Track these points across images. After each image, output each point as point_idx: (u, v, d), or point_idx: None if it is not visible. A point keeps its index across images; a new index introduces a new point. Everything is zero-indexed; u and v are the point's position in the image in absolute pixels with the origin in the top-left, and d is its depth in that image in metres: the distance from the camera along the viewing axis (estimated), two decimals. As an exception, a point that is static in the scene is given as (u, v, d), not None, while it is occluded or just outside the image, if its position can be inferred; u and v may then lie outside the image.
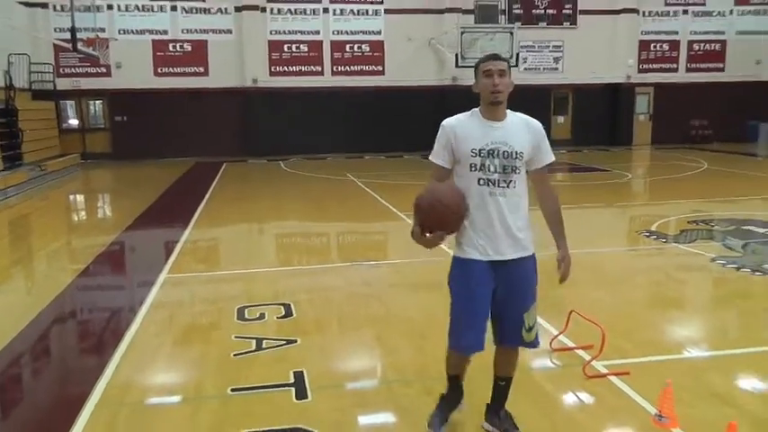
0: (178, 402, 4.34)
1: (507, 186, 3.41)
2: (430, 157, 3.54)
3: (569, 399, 4.26)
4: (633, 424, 3.87)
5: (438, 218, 3.34)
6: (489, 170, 3.38)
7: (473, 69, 3.54)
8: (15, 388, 4.93)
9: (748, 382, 4.45)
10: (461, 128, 3.44)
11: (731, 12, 27.14)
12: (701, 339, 5.46)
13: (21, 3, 21.24)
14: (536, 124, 3.51)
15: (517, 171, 3.41)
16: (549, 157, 3.56)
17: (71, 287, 7.35)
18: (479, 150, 3.38)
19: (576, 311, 4.97)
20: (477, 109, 3.48)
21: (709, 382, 4.44)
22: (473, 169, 3.40)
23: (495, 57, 3.42)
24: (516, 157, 3.39)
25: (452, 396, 3.80)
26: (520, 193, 3.47)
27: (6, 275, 8.37)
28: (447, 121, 3.50)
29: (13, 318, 6.13)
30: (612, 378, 4.41)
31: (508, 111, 3.47)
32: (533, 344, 3.61)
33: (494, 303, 3.51)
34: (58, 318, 6.57)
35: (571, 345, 4.98)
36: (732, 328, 5.82)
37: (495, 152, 3.37)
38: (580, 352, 4.84)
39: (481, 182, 3.40)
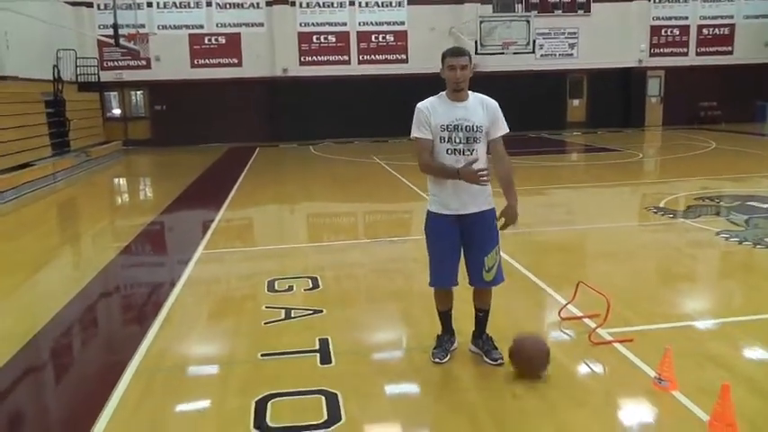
0: (212, 366, 4.45)
1: (471, 154, 3.96)
2: (413, 135, 4.05)
3: (575, 364, 4.27)
4: (635, 387, 3.88)
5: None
6: (455, 141, 3.97)
7: (440, 58, 3.98)
8: (64, 353, 5.08)
9: (745, 348, 4.43)
10: (433, 108, 4.01)
11: (740, -4, 26.58)
12: (702, 308, 5.43)
13: (67, 2, 21.45)
14: (492, 103, 4.07)
15: (478, 141, 3.98)
16: (503, 129, 4.09)
17: (114, 263, 7.50)
18: (447, 125, 3.96)
19: (583, 282, 4.97)
20: (443, 92, 4.05)
21: (708, 348, 4.44)
22: (442, 141, 3.98)
23: (458, 52, 3.97)
24: (477, 130, 3.97)
25: (446, 332, 4.38)
26: (479, 157, 3.98)
27: (56, 253, 8.55)
28: (422, 104, 4.06)
29: (62, 290, 6.27)
30: (617, 345, 4.41)
31: (469, 92, 4.03)
32: (494, 282, 4.17)
33: (464, 251, 4.15)
34: (103, 290, 6.71)
35: (579, 314, 4.99)
36: (732, 297, 5.78)
37: (459, 127, 3.96)
38: (587, 320, 4.85)
39: (449, 151, 3.98)
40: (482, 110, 4.00)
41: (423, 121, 3.99)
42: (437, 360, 4.21)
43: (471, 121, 3.94)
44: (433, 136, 3.99)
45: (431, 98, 4.08)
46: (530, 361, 3.94)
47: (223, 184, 13.16)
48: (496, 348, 4.25)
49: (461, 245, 4.13)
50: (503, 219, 4.03)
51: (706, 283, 6.36)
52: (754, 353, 4.36)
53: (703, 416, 3.42)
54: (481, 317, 4.32)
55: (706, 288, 6.16)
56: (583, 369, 4.22)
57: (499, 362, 4.16)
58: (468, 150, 3.95)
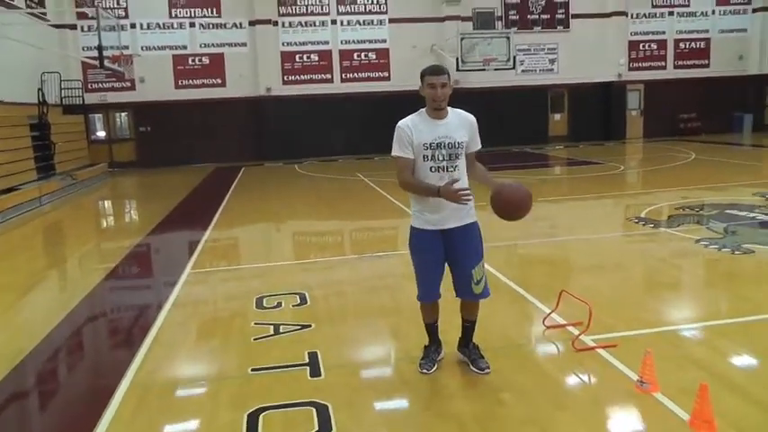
0: (202, 382, 4.49)
1: (454, 171, 4.02)
2: (394, 153, 4.05)
3: (559, 370, 4.36)
4: (618, 390, 3.97)
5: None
6: (438, 159, 4.01)
7: (419, 77, 4.01)
8: (53, 375, 5.08)
9: (724, 351, 4.54)
10: (415, 126, 4.02)
11: (713, 12, 27.11)
12: (683, 314, 5.55)
13: (51, 25, 21.46)
14: (471, 118, 4.13)
15: (459, 157, 4.05)
16: (478, 145, 4.19)
17: (102, 285, 7.50)
18: (430, 144, 3.99)
19: (566, 291, 5.08)
20: (423, 110, 4.08)
21: (688, 351, 4.56)
22: (425, 159, 4.01)
23: (437, 71, 3.98)
24: (458, 147, 4.03)
25: (433, 343, 4.44)
26: (461, 172, 4.07)
27: (42, 276, 8.55)
28: (403, 122, 4.06)
29: (49, 314, 6.29)
30: (600, 351, 4.51)
31: (449, 108, 4.06)
32: (483, 295, 4.23)
33: (449, 265, 4.21)
34: (91, 313, 6.71)
35: (563, 322, 5.08)
36: (712, 302, 5.91)
37: (442, 144, 3.99)
38: (571, 328, 4.95)
39: (432, 169, 4.02)
40: (462, 126, 4.05)
41: (405, 140, 4.00)
42: (425, 371, 4.27)
43: (453, 138, 3.99)
44: (416, 154, 4.01)
45: (411, 116, 4.09)
46: (508, 203, 3.97)
47: (209, 205, 13.20)
48: (483, 357, 4.34)
49: (445, 259, 4.18)
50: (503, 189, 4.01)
51: (687, 289, 6.49)
52: (732, 355, 4.47)
53: (684, 415, 3.53)
54: (468, 327, 4.41)
55: (687, 294, 6.28)
56: (567, 374, 4.31)
57: (486, 371, 4.24)
58: (452, 167, 4.00)
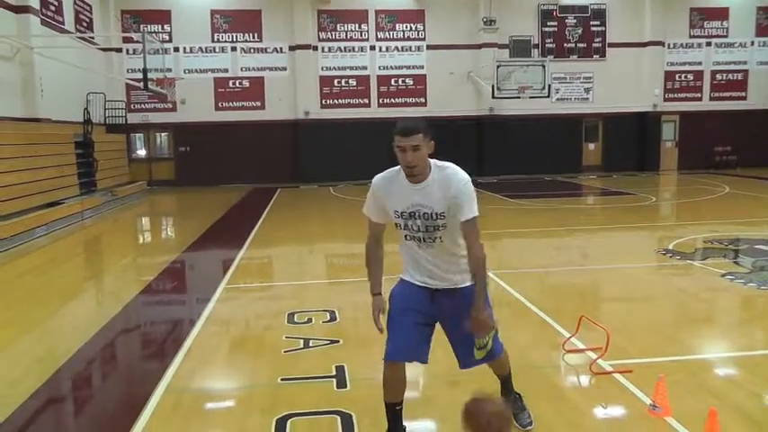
0: (234, 389, 4.76)
1: (434, 242, 3.37)
2: (363, 211, 3.55)
3: (576, 392, 4.54)
4: (631, 413, 4.14)
5: None
6: (413, 229, 3.37)
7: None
8: (87, 385, 5.32)
9: (737, 380, 4.67)
10: (386, 188, 3.41)
11: (752, 43, 26.99)
12: (700, 344, 5.66)
13: (99, 48, 22.30)
14: (457, 180, 3.27)
15: (440, 228, 3.32)
16: (469, 213, 3.24)
17: (138, 298, 7.85)
18: (401, 213, 3.36)
19: (585, 316, 5.24)
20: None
21: (703, 379, 4.68)
22: (398, 228, 3.43)
23: (406, 132, 3.24)
24: (437, 218, 3.30)
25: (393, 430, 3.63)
26: (448, 245, 3.38)
27: (83, 287, 8.96)
28: (375, 181, 3.48)
29: (87, 324, 6.58)
30: (617, 375, 4.67)
31: (433, 165, 3.33)
32: (490, 357, 3.56)
33: (443, 329, 3.58)
34: (128, 324, 7.04)
35: (582, 347, 5.25)
36: (730, 334, 6.00)
37: (416, 214, 3.33)
38: (590, 353, 5.11)
39: (408, 237, 3.43)
40: (441, 192, 3.26)
41: (373, 203, 3.47)
42: None
43: (430, 208, 3.28)
44: (390, 218, 3.47)
45: (389, 173, 3.47)
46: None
47: (245, 224, 13.55)
48: (525, 409, 3.96)
49: (433, 321, 3.55)
50: (469, 324, 3.31)
51: (707, 321, 6.57)
52: (747, 386, 4.58)
53: (692, 438, 3.68)
54: (502, 380, 3.96)
55: (707, 326, 6.38)
56: (582, 396, 4.47)
57: (528, 428, 3.86)
58: (430, 238, 3.35)
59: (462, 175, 3.29)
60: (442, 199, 3.26)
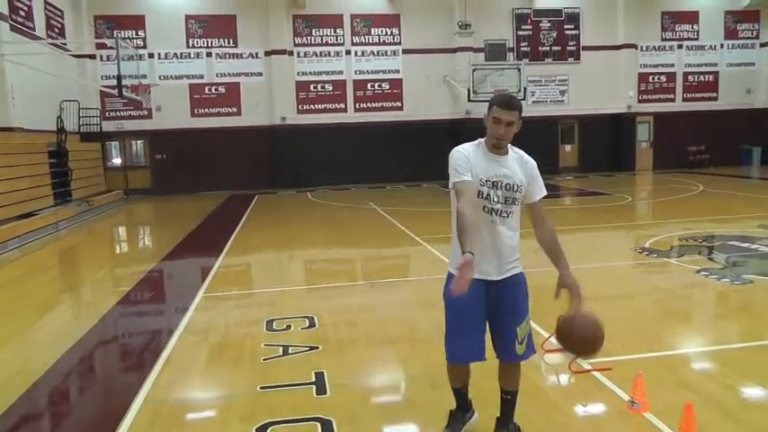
0: (213, 399, 4.72)
1: (507, 216, 3.52)
2: (456, 179, 3.39)
3: (556, 391, 4.56)
4: (610, 409, 4.19)
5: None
6: (493, 200, 3.46)
7: (487, 103, 3.54)
8: (65, 399, 5.22)
9: (714, 375, 4.74)
10: (473, 156, 3.47)
11: (722, 45, 27.58)
12: (678, 339, 5.73)
13: (72, 55, 22.06)
14: (531, 161, 3.62)
15: (516, 203, 3.52)
16: (543, 191, 3.63)
17: (116, 308, 7.75)
18: (486, 180, 3.45)
19: (563, 317, 5.26)
20: (482, 140, 3.55)
21: (680, 374, 4.74)
22: (479, 196, 3.43)
23: (508, 105, 3.41)
24: (517, 190, 3.49)
25: (460, 409, 3.89)
26: (514, 223, 3.58)
27: (59, 299, 8.83)
28: (460, 148, 3.52)
29: (63, 337, 6.47)
30: (596, 373, 4.70)
31: (509, 146, 3.55)
32: (526, 355, 3.77)
33: (490, 321, 3.64)
34: (105, 336, 6.95)
35: (560, 346, 5.26)
36: (706, 330, 6.10)
37: (500, 184, 3.46)
38: (569, 352, 5.12)
39: (486, 209, 3.47)
40: (521, 168, 3.54)
41: (463, 164, 3.41)
42: None
43: (512, 180, 3.48)
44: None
45: (467, 145, 3.56)
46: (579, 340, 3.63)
47: (223, 231, 13.48)
48: None
49: (487, 315, 3.64)
50: (562, 290, 3.61)
51: (683, 317, 6.65)
52: (723, 379, 4.65)
53: (670, 434, 3.71)
54: (509, 400, 3.83)
55: (683, 322, 6.45)
56: (561, 395, 4.50)
57: None
58: (506, 212, 3.50)
59: (532, 159, 3.64)
60: (522, 174, 3.53)
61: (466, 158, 3.44)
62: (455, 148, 3.52)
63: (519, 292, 3.69)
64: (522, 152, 3.62)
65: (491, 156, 3.49)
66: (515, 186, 3.47)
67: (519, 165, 3.53)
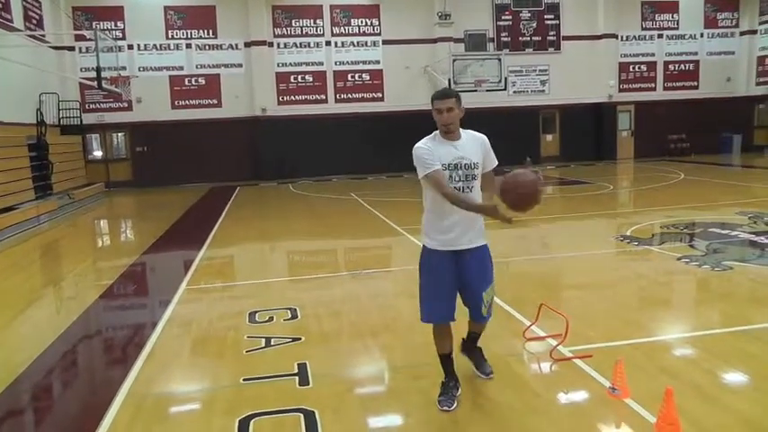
0: (196, 392, 4.69)
1: (471, 191, 4.04)
2: (428, 170, 3.94)
3: (537, 378, 4.59)
4: (591, 396, 4.21)
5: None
6: (455, 180, 4.00)
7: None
8: (47, 394, 5.18)
9: (694, 360, 4.78)
10: (433, 147, 4.02)
11: (702, 35, 27.75)
12: (658, 326, 5.77)
13: (50, 47, 21.79)
14: (483, 138, 4.16)
15: (475, 178, 4.07)
16: (494, 162, 4.18)
17: (98, 302, 7.68)
18: (448, 164, 3.99)
19: (545, 304, 5.31)
20: (436, 132, 4.08)
21: (660, 360, 4.78)
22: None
23: (443, 95, 4.00)
24: (474, 167, 4.04)
25: (451, 378, 4.25)
26: (476, 196, 4.08)
27: (39, 294, 8.74)
28: (421, 143, 4.05)
29: (45, 331, 6.44)
30: (577, 361, 4.73)
31: (461, 130, 4.09)
32: (489, 316, 4.30)
33: (460, 289, 4.18)
34: (87, 330, 6.90)
35: (542, 334, 5.30)
36: (686, 316, 6.16)
37: (459, 165, 4.00)
38: (550, 340, 5.16)
39: None
40: (476, 146, 4.06)
41: (427, 156, 3.95)
42: (445, 408, 4.05)
43: (469, 159, 3.99)
44: None
45: (425, 139, 4.07)
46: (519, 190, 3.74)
47: (205, 224, 13.40)
48: (486, 360, 4.58)
49: (457, 281, 4.13)
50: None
51: (664, 303, 6.71)
52: (701, 362, 4.70)
53: (651, 419, 3.75)
54: (474, 337, 4.59)
55: (663, 308, 6.50)
56: (542, 382, 4.53)
57: (490, 376, 4.49)
58: (467, 188, 4.00)
59: (483, 135, 4.15)
60: (478, 152, 4.06)
61: (429, 151, 3.98)
62: (416, 145, 4.04)
63: (485, 260, 4.20)
64: (473, 132, 4.15)
65: (447, 142, 4.03)
66: (473, 164, 4.02)
67: (473, 144, 4.07)
